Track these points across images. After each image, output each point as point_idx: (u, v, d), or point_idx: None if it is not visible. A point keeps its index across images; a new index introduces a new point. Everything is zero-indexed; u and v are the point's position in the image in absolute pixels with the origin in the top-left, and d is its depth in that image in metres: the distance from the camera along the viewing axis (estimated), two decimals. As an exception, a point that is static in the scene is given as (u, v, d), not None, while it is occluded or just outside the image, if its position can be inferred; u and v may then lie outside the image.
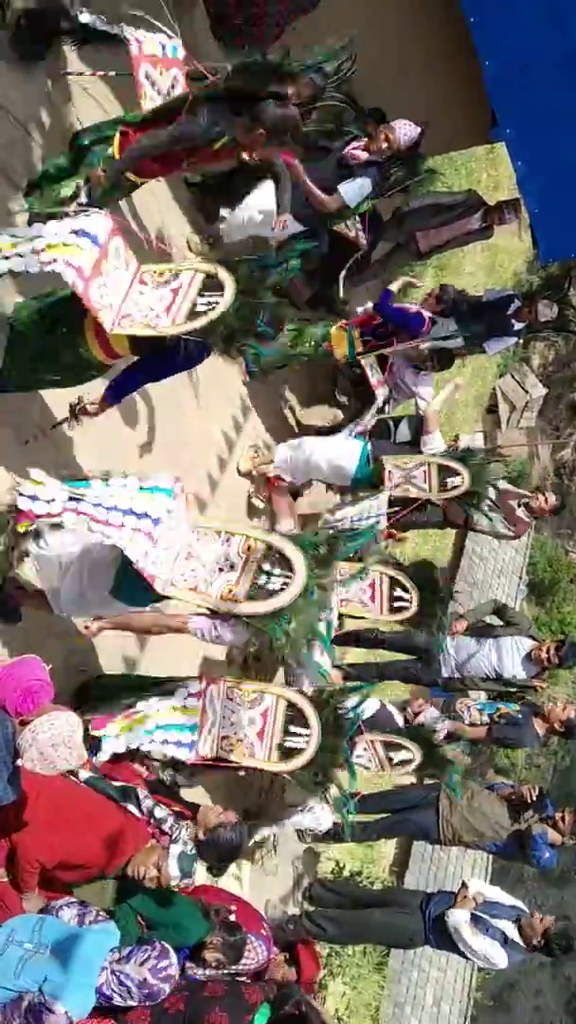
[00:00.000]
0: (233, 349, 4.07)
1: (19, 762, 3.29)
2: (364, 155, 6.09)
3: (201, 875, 4.73)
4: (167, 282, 4.08)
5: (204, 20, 6.09)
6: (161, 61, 4.50)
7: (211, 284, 3.99)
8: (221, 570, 3.96)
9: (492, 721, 6.63)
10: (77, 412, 4.47)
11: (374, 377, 7.01)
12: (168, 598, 3.99)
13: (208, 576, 3.95)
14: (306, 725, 4.33)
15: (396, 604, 5.95)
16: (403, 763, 5.44)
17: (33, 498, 3.77)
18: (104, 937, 3.52)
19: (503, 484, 7.04)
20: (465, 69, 6.62)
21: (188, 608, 4.32)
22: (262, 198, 5.83)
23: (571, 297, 7.60)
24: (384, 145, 6.03)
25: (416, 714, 6.16)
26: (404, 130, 6.05)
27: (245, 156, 4.44)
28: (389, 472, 6.30)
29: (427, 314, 6.50)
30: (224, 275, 3.98)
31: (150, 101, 4.43)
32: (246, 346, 4.09)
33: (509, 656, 6.76)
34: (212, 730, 4.32)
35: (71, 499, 3.77)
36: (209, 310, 3.92)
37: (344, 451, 6.55)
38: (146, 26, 4.55)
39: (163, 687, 4.46)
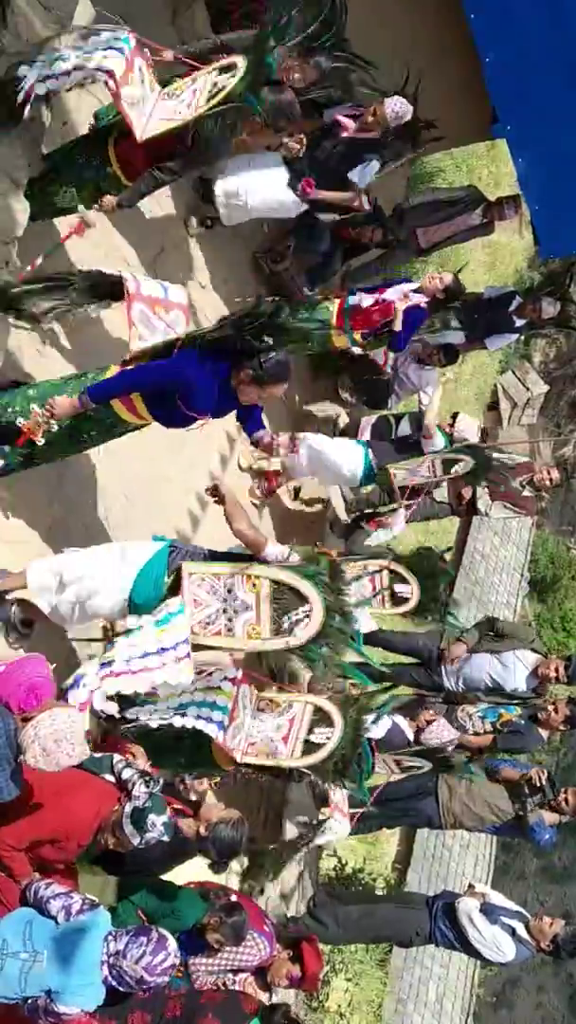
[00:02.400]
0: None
1: (21, 758, 3.29)
2: (351, 124, 6.10)
3: (203, 873, 4.75)
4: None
5: (205, 18, 6.10)
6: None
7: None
8: (236, 611, 4.02)
9: (495, 730, 6.62)
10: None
11: (380, 357, 6.99)
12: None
13: (227, 621, 4.02)
14: (331, 725, 4.43)
15: (397, 596, 6.04)
16: (415, 768, 5.69)
17: (74, 687, 3.83)
18: (96, 929, 3.48)
19: (510, 458, 7.12)
20: (466, 65, 6.61)
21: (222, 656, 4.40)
22: (264, 182, 5.83)
23: (572, 293, 7.58)
24: (371, 119, 6.04)
25: (428, 722, 6.18)
26: (393, 107, 6.05)
27: (245, 137, 4.47)
28: (394, 475, 6.44)
29: (424, 300, 6.43)
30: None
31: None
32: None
33: (511, 669, 6.73)
34: (240, 731, 4.37)
35: (102, 665, 3.84)
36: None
37: (347, 455, 6.56)
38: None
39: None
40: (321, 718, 4.45)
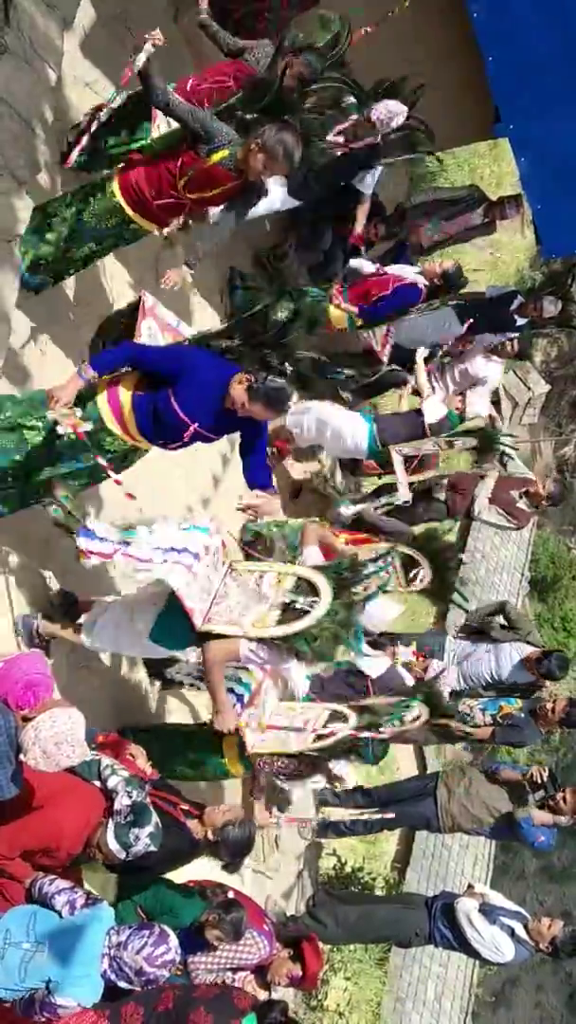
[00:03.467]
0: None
1: (21, 757, 3.29)
2: (341, 139, 6.13)
3: (202, 871, 4.76)
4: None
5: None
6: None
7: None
8: (252, 603, 4.23)
9: (495, 723, 6.63)
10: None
11: (377, 344, 6.99)
12: (206, 637, 4.23)
13: (243, 610, 4.22)
14: (344, 720, 4.70)
15: (411, 577, 6.14)
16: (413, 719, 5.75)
17: (90, 535, 4.08)
18: (98, 923, 3.50)
19: (510, 464, 7.14)
20: (468, 64, 6.60)
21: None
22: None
23: (573, 293, 7.58)
24: (365, 125, 6.08)
25: (424, 670, 6.20)
26: (386, 107, 6.07)
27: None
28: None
29: (423, 283, 6.47)
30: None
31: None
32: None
33: (508, 663, 6.75)
34: (254, 718, 4.67)
35: (123, 542, 4.09)
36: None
37: (352, 427, 6.65)
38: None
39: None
40: (333, 714, 4.70)
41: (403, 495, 6.65)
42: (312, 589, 4.17)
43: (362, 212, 6.78)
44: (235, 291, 6.61)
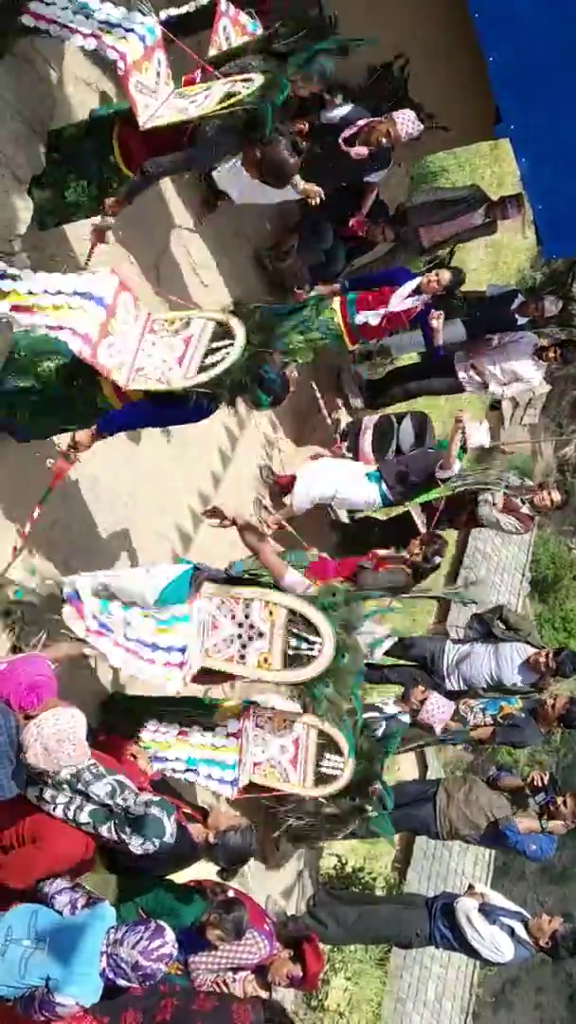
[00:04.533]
0: (241, 397, 4.09)
1: (23, 755, 3.29)
2: (365, 151, 6.13)
3: (203, 872, 4.75)
4: (178, 331, 4.09)
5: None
6: (144, 56, 4.31)
7: (221, 332, 4.00)
8: (251, 638, 4.05)
9: (496, 723, 6.63)
10: (69, 452, 4.25)
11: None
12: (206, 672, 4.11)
13: (240, 647, 4.05)
14: (339, 752, 4.44)
15: None
16: None
17: (74, 598, 4.01)
18: (99, 922, 3.50)
19: (514, 479, 7.13)
20: (469, 65, 6.60)
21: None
22: None
23: (574, 292, 7.59)
24: (383, 140, 6.09)
25: (421, 702, 6.17)
26: (407, 128, 6.11)
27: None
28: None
29: (426, 300, 6.41)
30: (235, 323, 3.98)
31: (145, 109, 4.29)
32: (254, 396, 4.08)
33: (508, 664, 6.74)
34: (245, 758, 4.42)
35: (101, 625, 3.96)
36: (219, 361, 3.93)
37: (361, 493, 6.59)
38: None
39: (201, 722, 4.54)
40: (327, 743, 4.49)
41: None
42: (310, 627, 4.00)
43: (367, 200, 6.75)
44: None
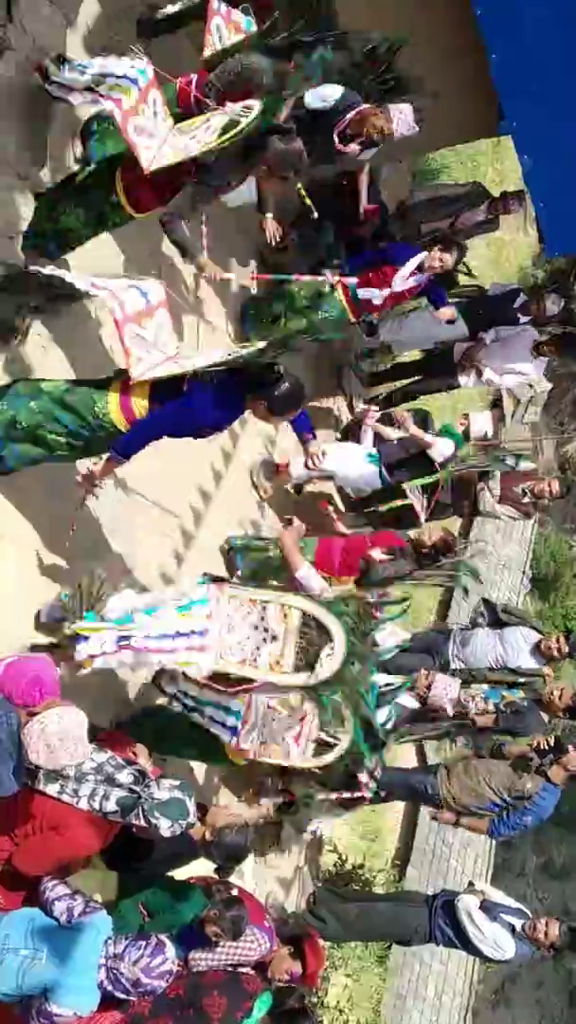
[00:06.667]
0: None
1: (24, 753, 3.29)
2: (359, 149, 6.08)
3: (205, 869, 4.76)
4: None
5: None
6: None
7: None
8: (264, 641, 4.08)
9: (498, 711, 6.64)
10: (86, 482, 4.32)
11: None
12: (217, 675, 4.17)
13: (254, 649, 4.09)
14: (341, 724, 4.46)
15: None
16: None
17: (86, 639, 4.01)
18: (96, 933, 3.51)
19: (510, 461, 7.16)
20: (472, 62, 6.59)
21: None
22: None
23: (576, 292, 7.60)
24: (376, 136, 5.98)
25: (427, 687, 6.18)
26: (401, 129, 6.03)
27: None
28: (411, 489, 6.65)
29: (426, 278, 6.42)
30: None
31: (146, 151, 4.27)
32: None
33: (514, 648, 6.76)
34: (252, 732, 4.47)
35: (121, 638, 3.99)
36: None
37: (361, 474, 6.64)
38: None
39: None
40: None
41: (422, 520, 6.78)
42: (323, 630, 4.04)
43: (362, 182, 6.65)
44: (247, 314, 6.63)
